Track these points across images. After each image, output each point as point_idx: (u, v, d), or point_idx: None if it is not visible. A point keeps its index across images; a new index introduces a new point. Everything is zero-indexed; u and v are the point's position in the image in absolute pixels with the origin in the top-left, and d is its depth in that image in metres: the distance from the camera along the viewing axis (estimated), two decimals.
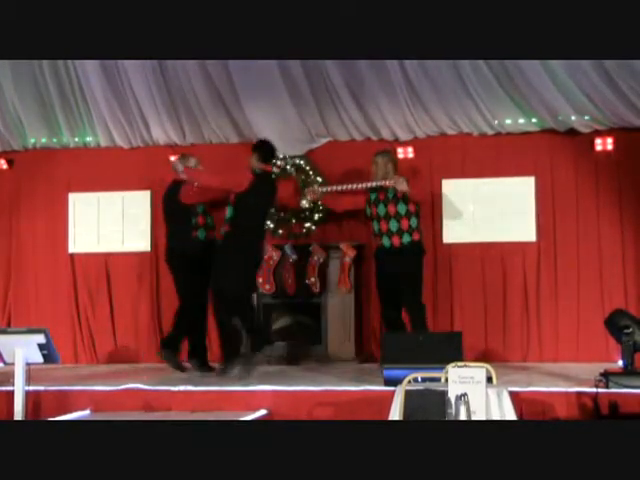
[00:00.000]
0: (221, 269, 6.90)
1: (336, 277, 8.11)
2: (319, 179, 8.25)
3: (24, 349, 5.28)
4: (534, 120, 7.99)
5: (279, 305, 8.29)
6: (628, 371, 5.75)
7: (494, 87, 7.57)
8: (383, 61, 7.40)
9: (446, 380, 4.51)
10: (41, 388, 6.07)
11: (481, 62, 7.33)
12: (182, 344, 7.40)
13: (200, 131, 8.47)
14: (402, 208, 7.17)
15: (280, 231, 8.40)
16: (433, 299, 8.21)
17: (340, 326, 8.04)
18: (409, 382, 4.70)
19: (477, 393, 4.34)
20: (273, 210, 7.97)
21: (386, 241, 7.19)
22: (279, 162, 8.19)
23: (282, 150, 8.08)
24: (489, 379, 4.65)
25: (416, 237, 7.20)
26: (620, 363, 6.06)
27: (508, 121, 8.06)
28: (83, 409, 6.01)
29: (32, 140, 8.80)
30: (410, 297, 7.18)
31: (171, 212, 7.44)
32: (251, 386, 6.07)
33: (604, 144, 7.98)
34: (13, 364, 5.33)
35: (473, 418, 4.26)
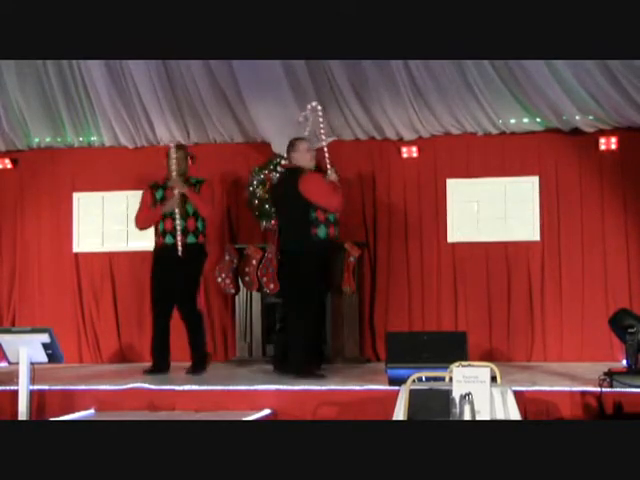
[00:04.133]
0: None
1: (339, 277, 8.09)
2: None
3: (28, 348, 5.25)
4: (538, 120, 8.00)
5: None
6: (632, 370, 5.74)
7: (498, 87, 7.58)
8: (387, 61, 7.40)
9: (450, 379, 4.51)
10: (45, 388, 6.07)
11: (485, 62, 7.33)
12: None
13: (204, 130, 8.47)
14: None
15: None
16: (437, 298, 8.23)
17: (344, 326, 8.04)
18: (413, 381, 4.69)
19: (481, 393, 4.34)
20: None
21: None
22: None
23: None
24: (493, 378, 4.65)
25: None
26: (624, 362, 6.05)
27: (512, 121, 8.06)
28: (87, 409, 6.00)
29: (36, 140, 8.80)
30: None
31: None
32: (255, 385, 6.07)
33: (608, 143, 7.99)
34: (17, 364, 5.32)
35: (477, 418, 4.26)
